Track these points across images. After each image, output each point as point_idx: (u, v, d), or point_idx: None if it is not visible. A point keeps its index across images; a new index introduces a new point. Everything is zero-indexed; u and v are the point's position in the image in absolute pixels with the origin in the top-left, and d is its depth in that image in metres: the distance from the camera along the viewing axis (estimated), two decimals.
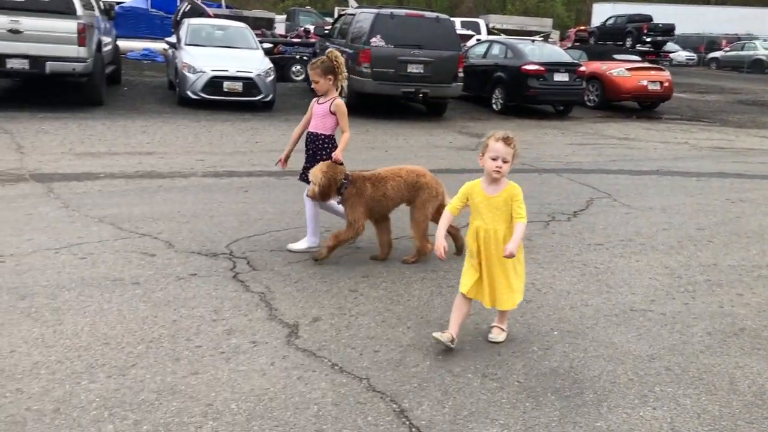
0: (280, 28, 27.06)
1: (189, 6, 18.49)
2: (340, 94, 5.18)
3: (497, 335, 3.81)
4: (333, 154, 4.97)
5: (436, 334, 3.60)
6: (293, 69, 18.92)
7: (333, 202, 5.08)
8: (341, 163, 4.93)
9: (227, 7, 27.62)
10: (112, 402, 2.99)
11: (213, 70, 12.64)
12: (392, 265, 4.99)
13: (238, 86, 12.81)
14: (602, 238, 5.97)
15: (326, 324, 3.92)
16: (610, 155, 10.70)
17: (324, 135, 5.13)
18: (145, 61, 21.44)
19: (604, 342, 3.89)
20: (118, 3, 23.26)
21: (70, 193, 6.51)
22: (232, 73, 12.78)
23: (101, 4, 13.93)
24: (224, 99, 12.77)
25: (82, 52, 11.22)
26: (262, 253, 5.08)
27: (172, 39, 14.70)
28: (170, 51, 14.65)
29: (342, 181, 4.86)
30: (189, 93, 12.63)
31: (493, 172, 3.47)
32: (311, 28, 22.38)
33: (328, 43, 15.25)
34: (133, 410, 2.94)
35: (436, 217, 4.90)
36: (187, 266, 4.72)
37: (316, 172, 4.80)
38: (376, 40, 13.11)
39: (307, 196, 5.00)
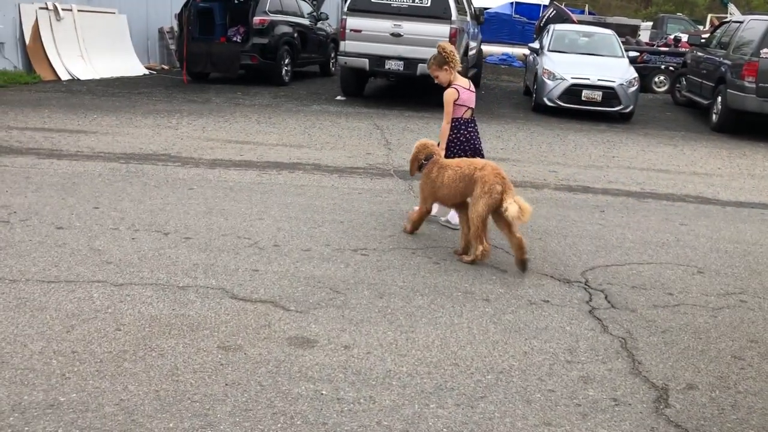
0: (644, 36, 25.41)
1: (554, 12, 18.29)
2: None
3: None
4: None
5: None
6: (656, 79, 17.54)
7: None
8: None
9: (590, 13, 26.86)
10: None
11: (573, 78, 12.20)
12: None
13: (598, 95, 12.16)
14: None
15: (704, 396, 3.22)
16: None
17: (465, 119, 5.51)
18: (503, 66, 21.91)
19: None
20: (485, 8, 24.12)
21: None
22: (592, 81, 12.18)
23: (473, 9, 14.43)
24: (581, 107, 12.26)
25: None
26: (622, 288, 4.50)
27: (535, 44, 14.61)
28: (531, 57, 14.58)
29: (422, 161, 5.20)
30: (545, 99, 12.39)
31: None
32: (682, 36, 20.46)
33: (702, 53, 13.70)
34: None
35: (497, 219, 4.71)
36: (539, 290, 4.38)
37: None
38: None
39: None
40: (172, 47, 16.19)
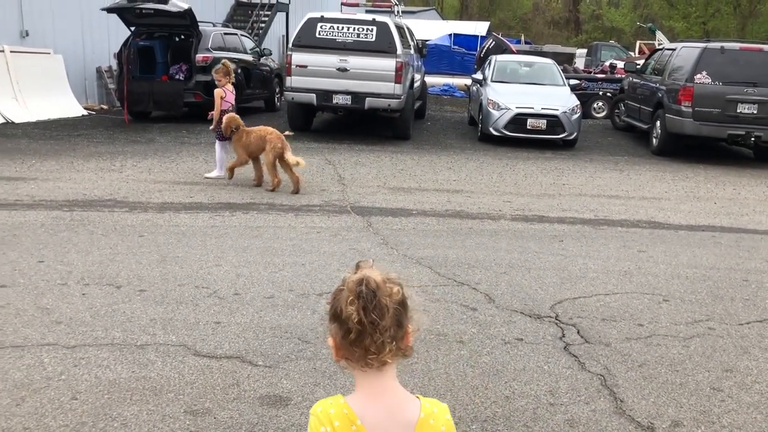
0: (579, 63, 26.21)
1: (493, 42, 18.69)
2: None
3: None
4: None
5: None
6: (594, 105, 18.01)
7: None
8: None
9: (526, 42, 27.60)
10: None
11: (518, 107, 12.40)
12: (763, 359, 4.03)
13: (542, 123, 12.38)
14: None
15: None
16: None
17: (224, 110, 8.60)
18: (445, 96, 22.19)
19: None
20: (425, 41, 24.46)
21: (388, 229, 6.58)
22: (537, 110, 12.41)
23: (416, 41, 14.58)
24: (527, 136, 12.45)
25: (397, 89, 11.74)
26: (593, 321, 4.47)
27: (478, 75, 14.82)
28: (475, 87, 14.78)
29: (233, 129, 8.20)
30: (491, 129, 12.53)
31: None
32: (617, 63, 21.18)
33: (638, 80, 14.16)
34: None
35: (283, 165, 8.14)
36: (512, 327, 4.31)
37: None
38: (701, 77, 11.72)
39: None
40: (112, 86, 15.78)
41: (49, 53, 14.17)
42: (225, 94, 8.70)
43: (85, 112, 14.57)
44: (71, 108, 14.23)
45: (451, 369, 3.70)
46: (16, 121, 12.67)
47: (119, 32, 14.59)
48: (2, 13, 13.26)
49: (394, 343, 1.47)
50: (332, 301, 1.50)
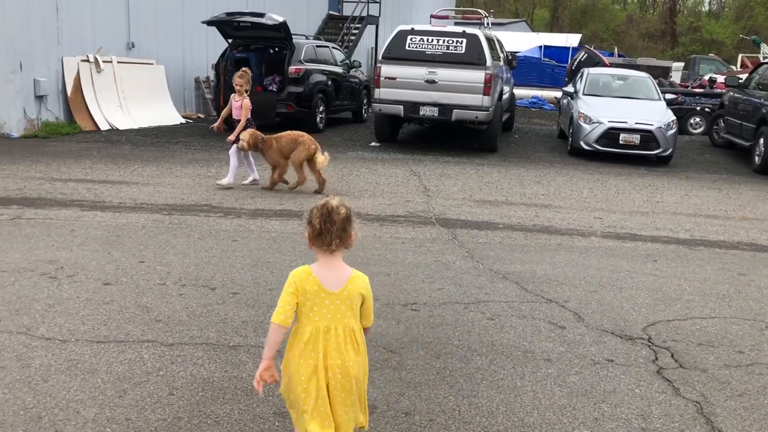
0: (675, 77, 25.26)
1: (586, 55, 18.30)
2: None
3: None
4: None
5: None
6: (691, 121, 17.32)
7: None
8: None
9: (620, 55, 26.86)
10: None
11: (610, 121, 12.09)
12: None
13: (636, 139, 12.02)
14: None
15: None
16: None
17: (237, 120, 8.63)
18: (534, 109, 21.89)
19: None
20: (515, 52, 24.24)
21: (473, 242, 6.54)
22: (630, 125, 12.05)
23: (506, 53, 14.47)
24: (619, 151, 12.10)
25: (485, 101, 11.69)
26: (688, 345, 4.29)
27: (569, 88, 14.55)
28: (565, 100, 14.52)
29: (260, 142, 8.26)
30: (582, 143, 12.26)
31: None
32: (717, 77, 20.28)
33: (740, 95, 13.50)
34: None
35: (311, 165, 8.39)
36: (601, 348, 4.19)
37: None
38: None
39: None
40: (209, 96, 16.45)
41: (152, 64, 14.94)
42: (251, 105, 8.66)
43: (183, 121, 15.26)
44: (170, 116, 14.93)
45: (538, 387, 3.64)
46: (120, 127, 13.41)
47: (217, 44, 15.22)
48: (113, 26, 14.09)
49: (339, 240, 2.46)
50: (308, 214, 2.49)
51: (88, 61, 13.23)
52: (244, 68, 8.97)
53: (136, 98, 14.14)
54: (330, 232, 2.43)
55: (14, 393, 3.33)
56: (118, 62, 13.91)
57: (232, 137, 8.53)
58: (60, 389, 3.38)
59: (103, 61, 13.48)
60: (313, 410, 2.45)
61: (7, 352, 3.76)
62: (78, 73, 13.02)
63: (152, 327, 4.17)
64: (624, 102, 13.08)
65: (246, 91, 8.63)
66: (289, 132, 8.42)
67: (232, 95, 8.75)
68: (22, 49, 11.97)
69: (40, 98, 12.47)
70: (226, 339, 4.05)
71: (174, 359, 3.76)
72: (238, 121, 8.59)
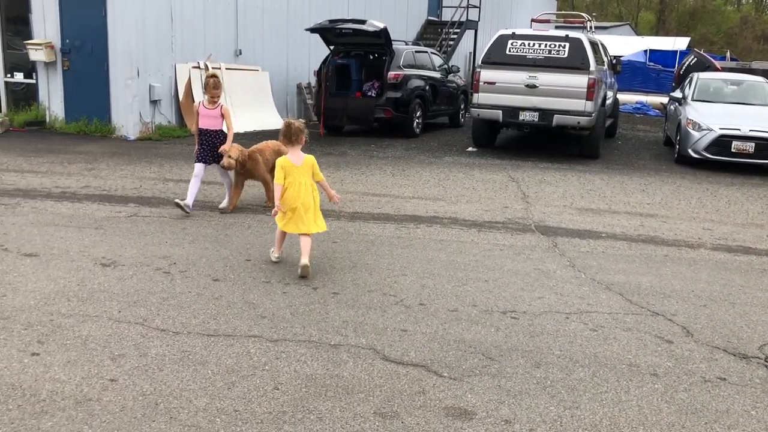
0: None
1: (695, 59, 17.48)
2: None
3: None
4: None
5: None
6: None
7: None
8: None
9: (732, 59, 25.48)
10: None
11: (721, 128, 11.48)
12: None
13: (750, 147, 11.35)
14: None
15: None
16: None
17: (214, 130, 7.42)
18: (638, 115, 21.11)
19: None
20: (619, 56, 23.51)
21: (575, 251, 6.39)
22: (744, 132, 11.40)
23: (610, 58, 14.05)
24: (731, 160, 11.48)
25: (588, 106, 11.40)
26: None
27: (677, 93, 13.94)
28: (673, 106, 13.92)
29: (246, 159, 7.42)
30: (690, 151, 11.72)
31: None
32: None
33: None
34: None
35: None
36: (712, 365, 4.00)
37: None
38: None
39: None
40: (309, 102, 16.88)
41: (257, 70, 15.50)
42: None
43: None
44: (273, 121, 15.42)
45: (644, 402, 3.51)
46: None
47: (318, 51, 15.61)
48: (222, 34, 14.73)
49: (296, 139, 5.34)
50: (282, 126, 5.46)
51: (198, 67, 13.88)
52: (215, 77, 7.30)
53: (242, 103, 14.70)
54: (293, 134, 5.30)
55: (134, 380, 3.55)
56: (227, 68, 14.52)
57: (225, 149, 7.26)
58: (174, 378, 3.57)
59: (213, 68, 14.10)
60: (290, 220, 5.34)
61: (126, 341, 4.01)
62: (189, 78, 13.69)
63: (258, 323, 4.34)
64: (737, 108, 12.40)
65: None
66: (267, 143, 7.73)
67: (199, 103, 7.36)
68: (139, 57, 12.73)
69: (154, 103, 13.22)
70: (327, 338, 4.15)
71: (278, 355, 3.89)
72: (214, 130, 7.34)
